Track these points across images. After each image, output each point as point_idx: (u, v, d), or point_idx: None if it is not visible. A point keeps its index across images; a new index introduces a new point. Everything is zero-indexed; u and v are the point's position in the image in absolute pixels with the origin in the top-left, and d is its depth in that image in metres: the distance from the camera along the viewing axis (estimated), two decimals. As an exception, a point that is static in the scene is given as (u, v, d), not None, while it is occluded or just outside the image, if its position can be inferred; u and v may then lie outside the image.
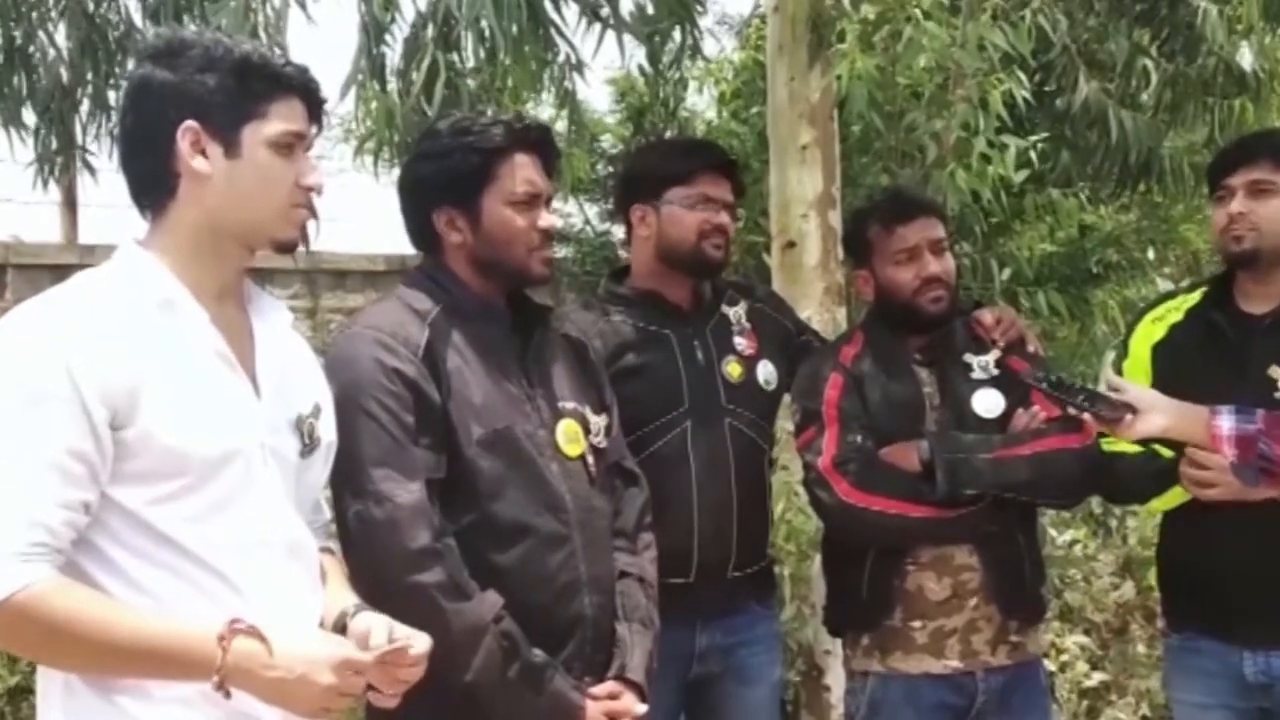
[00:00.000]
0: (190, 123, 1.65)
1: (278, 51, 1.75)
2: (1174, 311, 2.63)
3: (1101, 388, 2.62)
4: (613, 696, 2.15)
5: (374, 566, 1.99)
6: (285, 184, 1.70)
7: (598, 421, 2.26)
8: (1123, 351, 2.69)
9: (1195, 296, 2.63)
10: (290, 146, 1.70)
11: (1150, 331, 2.63)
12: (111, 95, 5.06)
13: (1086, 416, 2.36)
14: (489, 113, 2.41)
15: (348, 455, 1.95)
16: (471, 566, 2.05)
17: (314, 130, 1.75)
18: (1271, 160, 2.48)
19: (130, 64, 4.87)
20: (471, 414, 2.09)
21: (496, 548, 2.09)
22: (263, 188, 1.69)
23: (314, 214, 1.79)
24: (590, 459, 2.22)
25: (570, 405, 2.23)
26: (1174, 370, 2.51)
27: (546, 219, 2.22)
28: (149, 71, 1.68)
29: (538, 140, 2.23)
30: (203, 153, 1.66)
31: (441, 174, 2.18)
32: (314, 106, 1.74)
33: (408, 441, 2.03)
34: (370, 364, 2.04)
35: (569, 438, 2.19)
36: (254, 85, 1.67)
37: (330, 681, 1.56)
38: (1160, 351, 2.59)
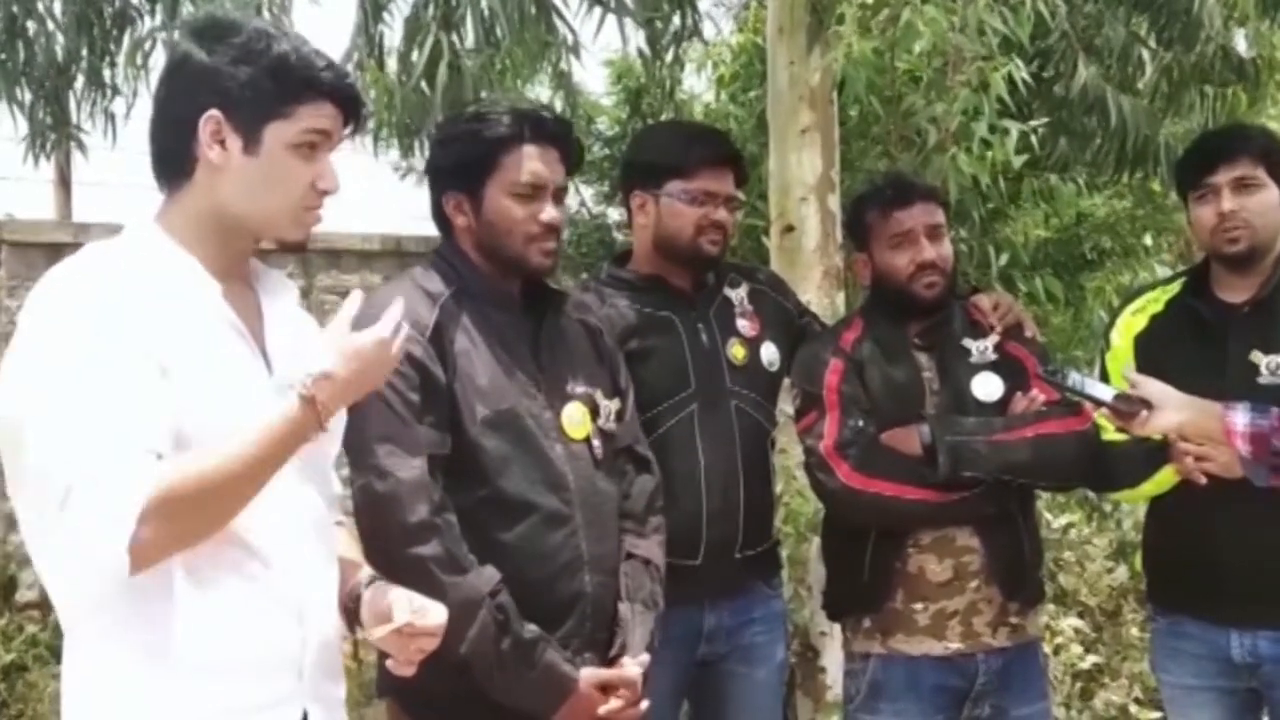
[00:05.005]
0: (214, 112, 1.64)
1: (318, 52, 1.71)
2: (1154, 303, 2.66)
3: (1095, 375, 2.65)
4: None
5: (375, 538, 2.06)
6: (300, 185, 1.68)
7: (609, 406, 2.30)
8: (1105, 344, 2.71)
9: (1174, 287, 2.66)
10: (313, 147, 1.68)
11: (1131, 323, 2.66)
12: (107, 73, 5.03)
13: (1104, 411, 2.37)
14: (508, 102, 2.42)
15: (355, 431, 2.00)
16: (476, 542, 2.09)
17: (346, 133, 1.73)
18: (1250, 156, 2.50)
19: (126, 40, 4.85)
20: (476, 394, 2.14)
21: (501, 524, 2.14)
22: (277, 188, 1.67)
23: (320, 217, 1.77)
24: (596, 442, 2.25)
25: (580, 389, 2.26)
26: (1157, 360, 2.53)
27: (550, 212, 2.22)
28: (189, 49, 1.67)
29: (555, 133, 2.24)
30: (222, 144, 1.65)
31: (449, 159, 2.24)
32: (348, 110, 1.71)
33: (412, 419, 2.08)
34: None
35: (574, 420, 2.23)
36: (286, 85, 1.65)
37: (383, 338, 1.67)
38: (1142, 342, 2.62)
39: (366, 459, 2.06)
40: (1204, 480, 2.38)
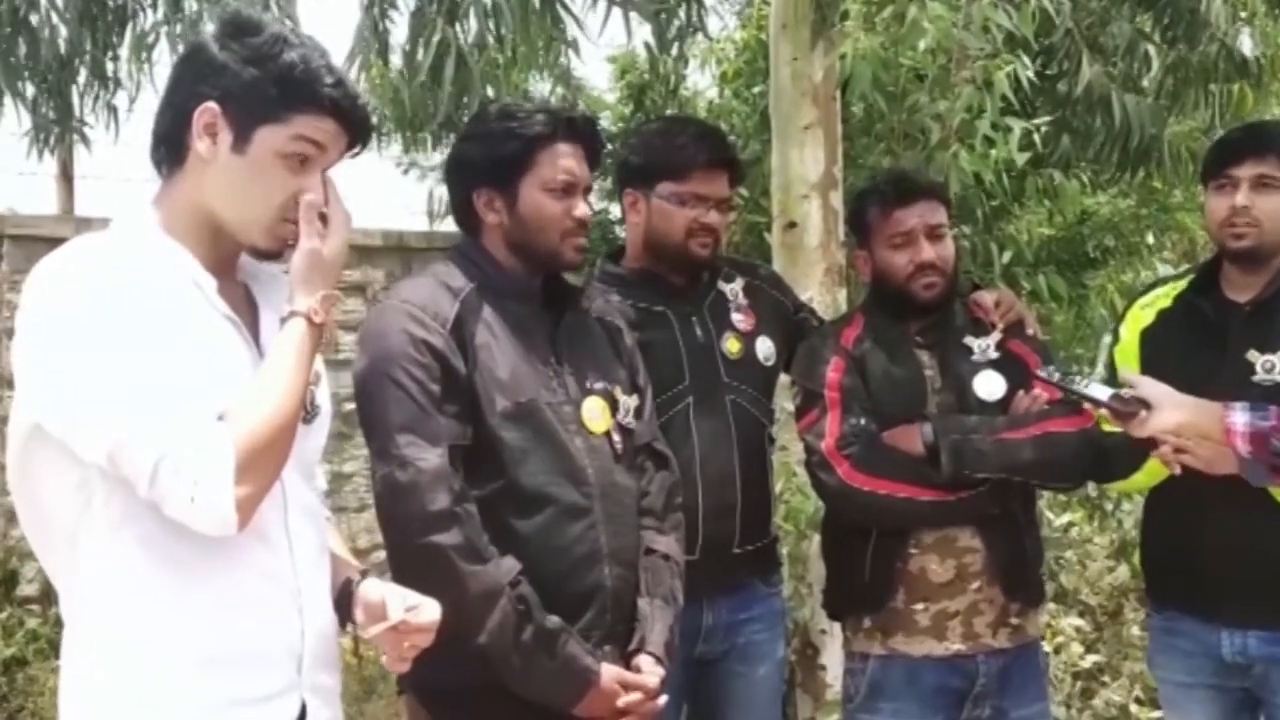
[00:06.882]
0: (211, 104, 1.65)
1: (331, 67, 1.69)
2: (1163, 298, 2.65)
3: (1099, 371, 2.64)
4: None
5: (395, 527, 2.10)
6: (281, 195, 1.67)
7: (627, 402, 2.32)
8: (1115, 338, 2.71)
9: (1184, 283, 2.65)
10: (305, 159, 1.67)
11: (1140, 317, 2.65)
12: (110, 66, 5.03)
13: (1102, 411, 2.36)
14: (537, 100, 2.45)
15: (377, 421, 2.10)
16: (494, 533, 2.11)
17: (350, 152, 1.73)
18: (1278, 155, 2.47)
19: (129, 34, 4.86)
20: (496, 387, 2.16)
21: (518, 515, 2.15)
22: (257, 192, 1.66)
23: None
24: (616, 437, 2.27)
25: (600, 384, 2.28)
26: (1159, 356, 2.52)
27: (581, 208, 2.27)
28: (207, 42, 1.69)
29: (583, 131, 2.28)
30: (213, 138, 1.65)
31: (484, 156, 2.26)
32: (352, 128, 1.71)
33: (433, 409, 2.10)
34: (400, 336, 2.13)
35: (594, 414, 2.25)
36: (287, 92, 1.65)
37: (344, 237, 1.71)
38: (1148, 337, 2.62)
39: (388, 449, 2.09)
40: (1178, 470, 2.36)
